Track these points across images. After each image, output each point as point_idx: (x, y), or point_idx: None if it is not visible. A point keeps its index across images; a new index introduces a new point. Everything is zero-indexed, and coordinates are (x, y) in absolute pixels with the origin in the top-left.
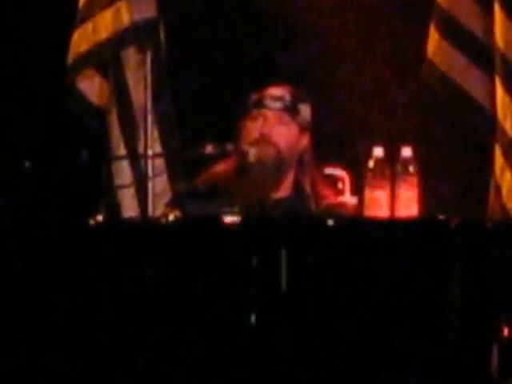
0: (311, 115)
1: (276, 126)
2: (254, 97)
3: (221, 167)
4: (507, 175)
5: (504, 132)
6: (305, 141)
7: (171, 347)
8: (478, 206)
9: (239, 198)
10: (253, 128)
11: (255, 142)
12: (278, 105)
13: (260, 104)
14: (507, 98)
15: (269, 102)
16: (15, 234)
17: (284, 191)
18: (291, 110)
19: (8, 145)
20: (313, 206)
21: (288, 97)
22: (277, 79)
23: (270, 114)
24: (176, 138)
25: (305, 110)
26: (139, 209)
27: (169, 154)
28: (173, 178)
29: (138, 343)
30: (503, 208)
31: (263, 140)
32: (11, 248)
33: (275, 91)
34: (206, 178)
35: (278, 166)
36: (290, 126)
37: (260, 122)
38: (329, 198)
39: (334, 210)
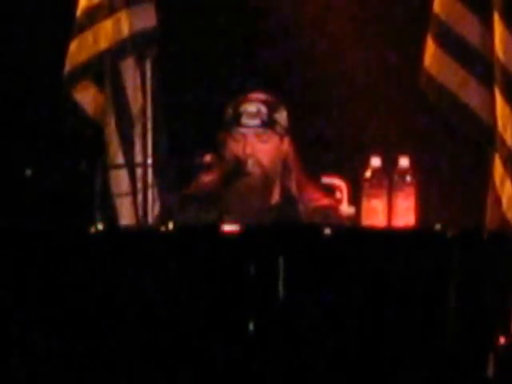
0: (288, 118)
1: (257, 144)
2: (230, 112)
3: (208, 178)
4: (507, 185)
5: (504, 143)
6: (285, 146)
7: (168, 355)
8: (475, 217)
9: (226, 208)
10: (236, 149)
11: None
12: (255, 122)
13: (237, 122)
14: (507, 109)
15: (246, 120)
16: (16, 242)
17: (273, 199)
18: (269, 123)
19: (7, 154)
20: (302, 210)
21: (264, 110)
22: (254, 84)
23: (249, 133)
24: (165, 147)
25: (281, 117)
26: (136, 217)
27: (158, 164)
28: (161, 189)
29: (135, 350)
30: (503, 218)
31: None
32: (10, 256)
33: (251, 107)
34: (195, 188)
35: (265, 183)
36: (270, 139)
37: (242, 143)
38: (318, 200)
39: (324, 212)
